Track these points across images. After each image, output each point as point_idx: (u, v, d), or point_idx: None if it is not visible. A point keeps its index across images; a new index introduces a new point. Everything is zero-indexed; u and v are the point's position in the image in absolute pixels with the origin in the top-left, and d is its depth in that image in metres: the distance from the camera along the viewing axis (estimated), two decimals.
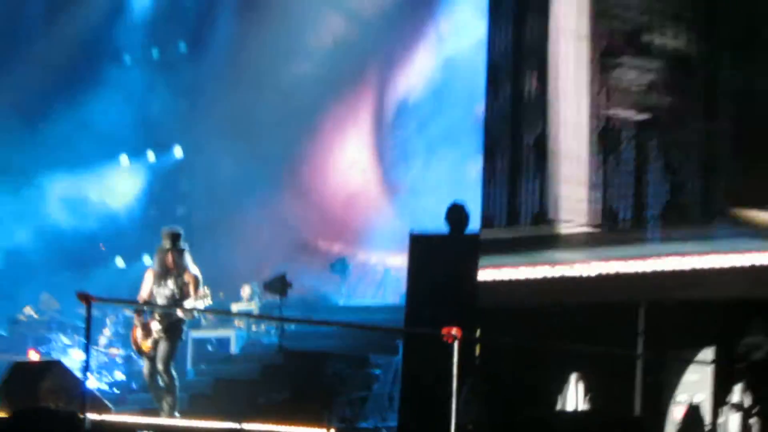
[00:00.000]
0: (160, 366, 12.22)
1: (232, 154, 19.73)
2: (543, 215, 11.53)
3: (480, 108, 12.66)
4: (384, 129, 20.33)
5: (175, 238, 12.40)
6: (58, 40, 20.34)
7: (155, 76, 20.63)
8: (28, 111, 19.48)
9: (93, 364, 14.96)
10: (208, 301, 12.64)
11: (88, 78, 19.96)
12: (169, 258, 12.21)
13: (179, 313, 12.60)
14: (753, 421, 9.66)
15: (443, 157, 18.14)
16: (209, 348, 16.17)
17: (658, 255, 10.55)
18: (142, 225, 18.02)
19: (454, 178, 16.36)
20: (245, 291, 16.82)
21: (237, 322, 16.52)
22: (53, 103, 19.54)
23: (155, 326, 12.25)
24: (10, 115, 19.22)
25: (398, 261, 16.19)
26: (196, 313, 13.50)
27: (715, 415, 9.86)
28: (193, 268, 12.40)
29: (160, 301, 12.40)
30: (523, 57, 11.99)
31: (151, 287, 12.32)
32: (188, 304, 12.54)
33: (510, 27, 12.05)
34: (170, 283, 12.33)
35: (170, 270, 12.19)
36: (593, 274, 11.04)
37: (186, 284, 12.33)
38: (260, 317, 16.94)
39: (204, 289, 12.49)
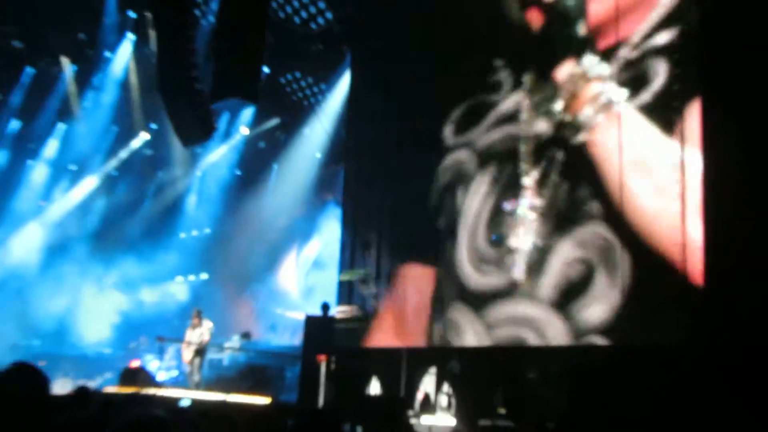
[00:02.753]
0: (195, 369, 14.34)
1: (227, 276, 20.81)
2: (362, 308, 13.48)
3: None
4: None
5: (198, 312, 14.84)
6: (151, 213, 21.89)
7: (195, 244, 21.86)
8: (137, 250, 20.79)
9: (162, 367, 16.50)
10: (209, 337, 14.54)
11: (163, 239, 21.32)
12: (196, 320, 14.64)
13: (201, 344, 14.38)
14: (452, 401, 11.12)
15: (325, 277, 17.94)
16: (213, 361, 16.40)
17: None
18: (188, 307, 18.27)
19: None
20: (235, 338, 17.27)
21: (227, 350, 16.80)
22: (149, 246, 20.94)
23: (192, 348, 14.33)
24: (128, 252, 20.69)
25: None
26: (206, 344, 14.58)
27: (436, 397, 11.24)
28: (208, 324, 14.58)
29: (195, 340, 14.38)
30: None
31: (189, 333, 14.59)
32: (204, 335, 14.34)
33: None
34: (198, 331, 14.50)
35: (196, 325, 14.58)
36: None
37: (204, 332, 14.50)
38: (238, 349, 16.72)
39: (210, 332, 14.57)
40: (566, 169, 10.69)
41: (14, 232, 20.75)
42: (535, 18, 11.55)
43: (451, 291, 12.12)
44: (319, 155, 19.36)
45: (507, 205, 11.34)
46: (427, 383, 11.56)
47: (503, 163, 11.63)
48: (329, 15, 17.14)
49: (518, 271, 11.00)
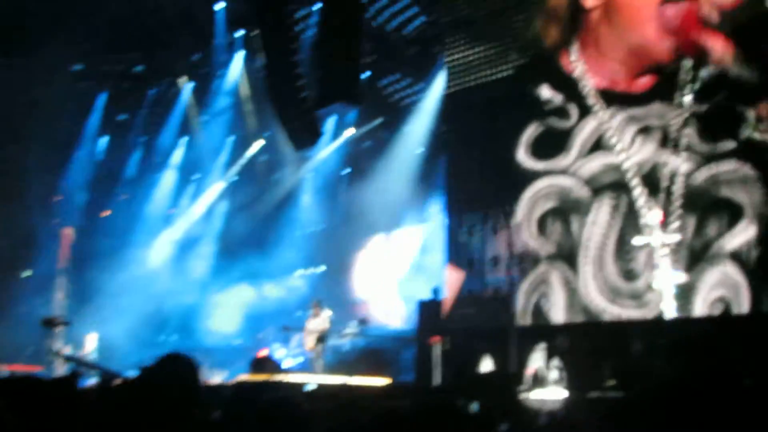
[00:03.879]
0: (318, 355, 14.69)
1: (339, 267, 20.84)
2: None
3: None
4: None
5: (317, 302, 15.26)
6: (270, 213, 21.50)
7: (311, 239, 21.12)
8: (259, 248, 20.19)
9: (288, 355, 16.97)
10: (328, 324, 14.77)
11: (282, 236, 20.82)
12: (316, 309, 15.06)
13: (322, 332, 14.70)
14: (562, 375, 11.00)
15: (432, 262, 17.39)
16: (334, 346, 16.50)
17: None
18: (308, 298, 17.62)
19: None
20: (353, 324, 17.37)
21: (346, 336, 16.87)
22: (269, 243, 20.45)
23: (314, 336, 14.65)
24: (251, 250, 20.12)
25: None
26: (326, 331, 14.79)
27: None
28: (327, 312, 14.85)
29: (316, 328, 14.64)
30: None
31: (310, 322, 14.98)
32: (324, 323, 14.61)
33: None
34: (318, 319, 14.86)
35: (316, 314, 14.99)
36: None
37: (324, 320, 14.81)
38: (357, 334, 16.83)
39: (329, 320, 14.88)
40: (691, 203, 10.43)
41: (147, 239, 21.23)
42: None
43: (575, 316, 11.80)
44: (421, 149, 19.24)
45: (635, 240, 10.96)
46: (537, 359, 11.46)
47: (618, 193, 11.26)
48: (422, 18, 17.14)
49: (668, 310, 10.61)
